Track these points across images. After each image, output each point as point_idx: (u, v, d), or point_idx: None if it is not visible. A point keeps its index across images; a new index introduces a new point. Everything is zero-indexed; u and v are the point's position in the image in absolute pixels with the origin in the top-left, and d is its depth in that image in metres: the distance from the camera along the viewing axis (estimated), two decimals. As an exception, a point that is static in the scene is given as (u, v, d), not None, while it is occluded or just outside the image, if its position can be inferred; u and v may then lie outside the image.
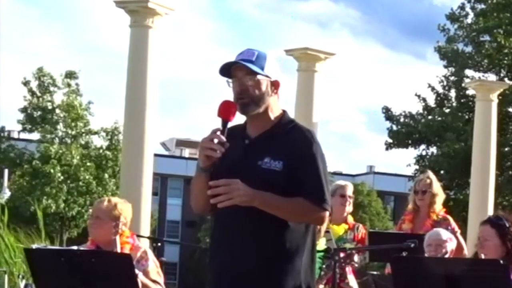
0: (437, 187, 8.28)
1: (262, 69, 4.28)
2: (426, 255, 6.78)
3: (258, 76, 4.27)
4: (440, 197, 8.27)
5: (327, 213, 4.24)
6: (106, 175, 36.44)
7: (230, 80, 4.30)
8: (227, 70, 4.31)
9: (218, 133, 4.14)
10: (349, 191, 8.45)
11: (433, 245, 6.89)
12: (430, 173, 8.51)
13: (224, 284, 4.27)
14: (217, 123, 4.21)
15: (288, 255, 4.22)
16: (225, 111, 4.17)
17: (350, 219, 8.50)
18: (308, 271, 4.29)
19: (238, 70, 4.28)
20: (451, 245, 6.98)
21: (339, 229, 8.35)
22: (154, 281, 6.03)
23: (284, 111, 4.38)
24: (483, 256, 5.77)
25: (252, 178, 4.16)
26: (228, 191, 4.08)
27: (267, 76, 4.29)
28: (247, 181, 4.13)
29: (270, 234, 4.21)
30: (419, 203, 8.26)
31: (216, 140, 4.12)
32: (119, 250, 5.97)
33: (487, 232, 5.77)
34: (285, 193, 4.18)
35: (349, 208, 8.43)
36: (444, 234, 7.06)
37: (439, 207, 8.23)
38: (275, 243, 4.21)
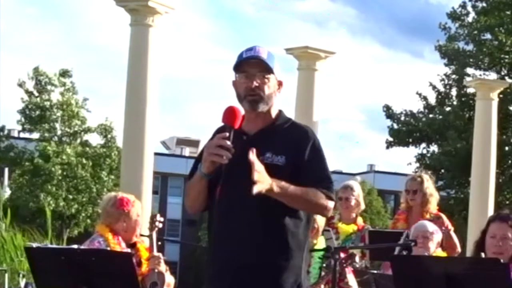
0: (429, 186, 8.18)
1: (273, 67, 4.30)
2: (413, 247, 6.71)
3: (271, 74, 4.29)
4: (434, 197, 8.18)
5: (333, 204, 4.30)
6: (104, 173, 36.40)
7: (237, 75, 4.29)
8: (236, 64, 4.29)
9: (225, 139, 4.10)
10: (344, 192, 8.37)
11: (420, 237, 6.85)
12: (424, 173, 8.46)
13: (227, 278, 4.25)
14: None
15: (290, 250, 4.23)
16: (230, 117, 4.15)
17: (360, 220, 8.44)
18: (305, 267, 4.32)
19: (251, 66, 4.26)
20: (437, 237, 6.95)
21: (348, 228, 8.32)
22: (167, 284, 6.08)
23: (280, 110, 4.40)
24: (482, 255, 5.72)
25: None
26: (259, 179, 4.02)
27: (276, 75, 4.31)
28: (249, 177, 4.10)
29: (273, 228, 4.21)
30: (411, 203, 8.22)
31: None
32: (155, 246, 6.03)
33: (505, 231, 5.47)
34: None
35: (357, 209, 8.40)
36: (430, 226, 7.03)
37: (433, 207, 8.16)
38: (278, 237, 4.22)
